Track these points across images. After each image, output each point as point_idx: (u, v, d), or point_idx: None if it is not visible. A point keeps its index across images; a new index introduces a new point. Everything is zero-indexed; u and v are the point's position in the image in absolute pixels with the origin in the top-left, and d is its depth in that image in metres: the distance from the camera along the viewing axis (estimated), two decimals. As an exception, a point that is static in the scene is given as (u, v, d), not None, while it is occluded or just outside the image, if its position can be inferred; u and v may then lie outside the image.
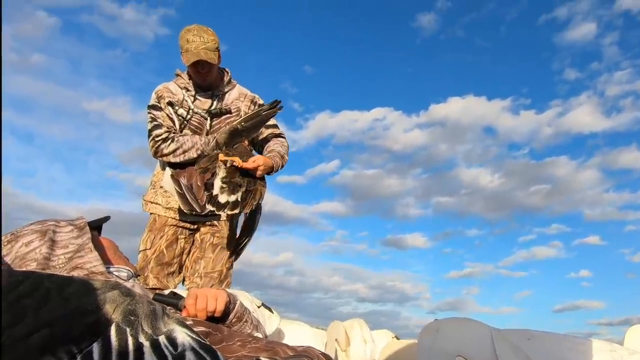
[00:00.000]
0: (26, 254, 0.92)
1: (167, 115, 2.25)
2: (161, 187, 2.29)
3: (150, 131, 2.22)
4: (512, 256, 9.71)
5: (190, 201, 2.15)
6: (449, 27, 10.64)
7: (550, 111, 10.07)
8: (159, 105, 2.26)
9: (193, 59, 2.14)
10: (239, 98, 2.40)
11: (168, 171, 2.25)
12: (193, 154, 2.18)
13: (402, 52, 11.41)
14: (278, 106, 2.08)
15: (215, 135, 2.20)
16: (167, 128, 2.21)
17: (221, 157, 2.05)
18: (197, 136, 2.22)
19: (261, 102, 2.45)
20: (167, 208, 2.28)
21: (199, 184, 2.20)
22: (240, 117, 2.30)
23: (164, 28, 9.65)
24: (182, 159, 2.19)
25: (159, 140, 2.19)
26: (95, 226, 1.14)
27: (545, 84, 10.73)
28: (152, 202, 2.32)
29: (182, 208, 2.15)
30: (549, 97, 10.93)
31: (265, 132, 2.40)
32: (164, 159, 2.22)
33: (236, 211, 1.95)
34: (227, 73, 2.41)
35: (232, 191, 1.97)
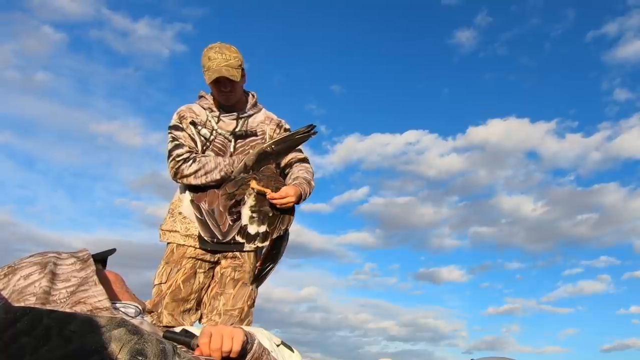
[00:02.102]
0: (25, 287, 0.89)
1: (189, 135, 2.24)
2: (180, 213, 2.24)
3: (170, 151, 2.20)
4: (556, 291, 9.35)
5: (212, 227, 2.13)
6: (489, 44, 10.49)
7: (598, 134, 9.68)
8: (180, 125, 2.26)
9: (214, 76, 2.16)
10: (265, 121, 2.40)
11: (187, 196, 2.22)
12: (216, 176, 2.15)
13: (438, 70, 11.19)
14: (312, 131, 2.08)
15: (241, 157, 2.20)
16: (189, 148, 2.20)
17: (253, 184, 2.04)
18: (220, 157, 2.21)
19: (287, 126, 2.44)
20: (186, 235, 2.21)
21: (221, 209, 2.18)
22: (266, 140, 2.31)
23: (180, 45, 9.69)
24: (204, 181, 2.16)
25: (179, 160, 2.16)
26: (100, 259, 1.10)
27: (593, 106, 10.40)
28: (170, 231, 2.25)
29: (203, 235, 2.13)
30: (597, 119, 10.60)
31: (288, 157, 2.37)
32: (185, 180, 2.18)
33: (266, 243, 1.93)
34: (253, 96, 2.43)
35: (262, 221, 1.95)
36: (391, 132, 10.43)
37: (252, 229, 1.93)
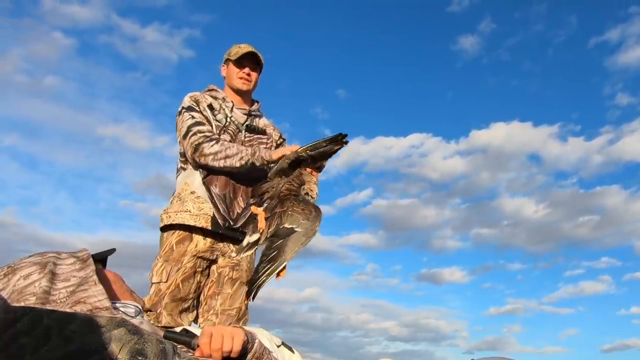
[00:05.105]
0: (24, 287, 0.89)
1: (207, 117, 2.25)
2: (192, 192, 2.20)
3: (190, 127, 2.16)
4: (557, 292, 9.49)
5: (222, 212, 2.14)
6: (492, 50, 10.78)
7: (600, 138, 9.96)
8: (196, 107, 2.25)
9: (244, 51, 2.33)
10: (270, 127, 2.51)
11: (199, 176, 2.20)
12: (236, 163, 2.10)
13: (441, 75, 11.54)
14: (343, 140, 1.98)
15: (254, 149, 2.22)
16: (211, 129, 2.20)
17: (253, 209, 2.03)
18: (242, 145, 2.20)
19: (285, 137, 2.55)
20: (197, 215, 2.15)
21: (231, 195, 2.19)
22: (271, 142, 2.43)
23: (188, 50, 9.88)
24: (221, 165, 2.11)
25: (201, 137, 2.13)
26: (100, 259, 1.10)
27: (595, 110, 10.74)
28: (177, 212, 2.18)
29: (216, 216, 2.12)
30: (599, 123, 10.88)
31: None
32: (202, 159, 2.12)
33: (249, 252, 1.91)
34: (259, 102, 2.54)
35: (254, 230, 1.93)
36: (395, 135, 10.60)
37: (245, 241, 1.92)
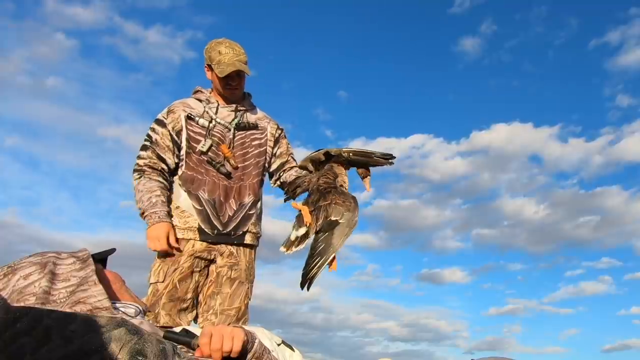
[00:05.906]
0: (24, 287, 0.89)
1: (169, 132, 2.25)
2: (177, 207, 2.24)
3: (140, 148, 2.27)
4: (557, 292, 9.57)
5: (212, 218, 2.18)
6: (493, 51, 10.95)
7: (601, 139, 10.05)
8: (164, 120, 2.27)
9: (229, 70, 2.19)
10: (264, 119, 2.45)
11: (183, 190, 2.23)
12: (137, 205, 2.21)
13: (443, 77, 11.71)
14: (390, 160, 2.06)
15: (240, 154, 2.28)
16: (152, 155, 2.23)
17: (294, 205, 2.07)
18: (150, 193, 2.19)
19: (282, 127, 2.51)
20: (185, 229, 2.20)
21: (221, 199, 2.21)
22: (265, 136, 2.40)
23: (190, 51, 10.02)
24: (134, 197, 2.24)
25: (136, 165, 2.24)
26: (100, 259, 1.10)
27: (595, 111, 10.89)
28: None
29: (203, 227, 2.16)
30: (599, 124, 11.11)
31: (277, 162, 2.45)
32: None
33: (301, 246, 1.91)
34: (249, 95, 2.49)
35: (300, 224, 1.95)
36: (396, 136, 10.70)
37: (293, 235, 1.94)
